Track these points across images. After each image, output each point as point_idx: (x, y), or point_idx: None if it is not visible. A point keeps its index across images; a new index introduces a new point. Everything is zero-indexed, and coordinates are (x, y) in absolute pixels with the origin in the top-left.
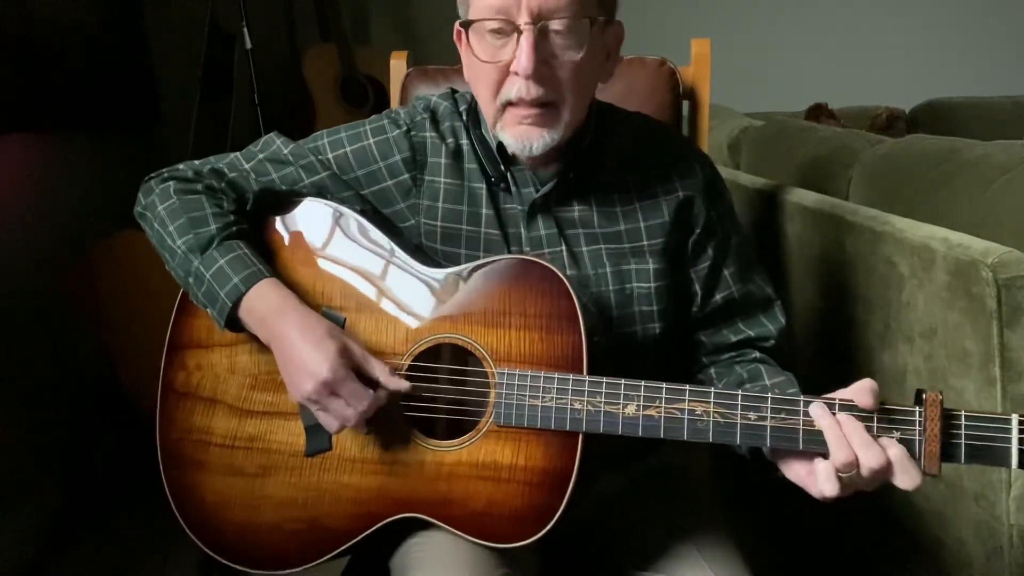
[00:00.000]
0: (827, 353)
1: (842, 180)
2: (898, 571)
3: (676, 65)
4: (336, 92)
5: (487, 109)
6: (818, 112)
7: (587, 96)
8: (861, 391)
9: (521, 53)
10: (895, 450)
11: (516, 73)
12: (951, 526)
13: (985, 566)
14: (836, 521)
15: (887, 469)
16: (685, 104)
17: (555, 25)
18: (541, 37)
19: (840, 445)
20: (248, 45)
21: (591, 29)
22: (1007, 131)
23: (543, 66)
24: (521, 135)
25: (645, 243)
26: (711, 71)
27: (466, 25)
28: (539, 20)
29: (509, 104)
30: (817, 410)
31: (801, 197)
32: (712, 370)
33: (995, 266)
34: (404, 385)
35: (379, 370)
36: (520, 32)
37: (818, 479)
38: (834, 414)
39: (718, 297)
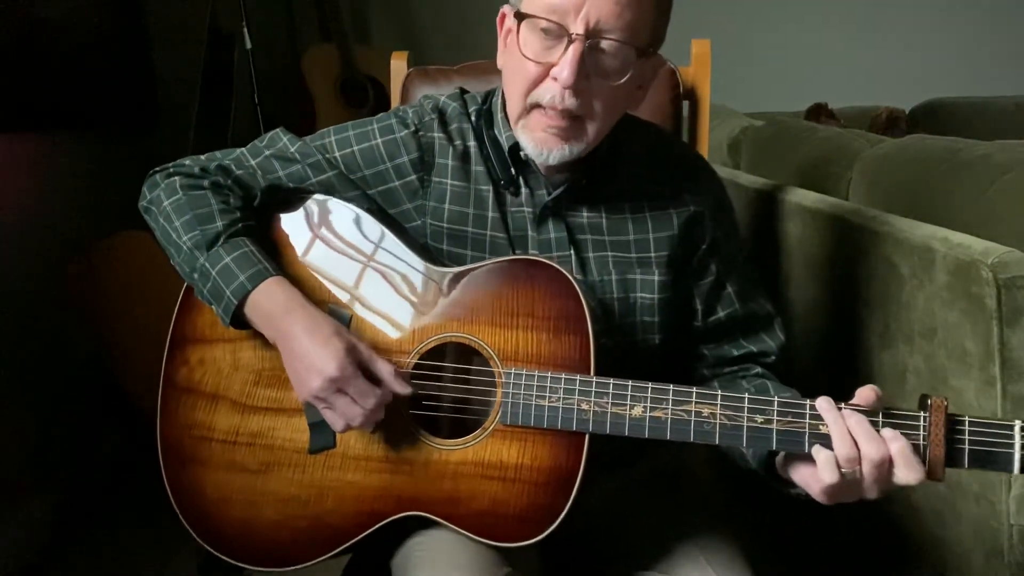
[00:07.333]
0: (827, 353)
1: (842, 180)
2: (898, 571)
3: (676, 65)
4: (336, 92)
5: (514, 104)
6: (818, 112)
7: (614, 118)
8: (864, 392)
9: (565, 62)
10: (898, 443)
11: (555, 79)
12: (951, 526)
13: (985, 566)
14: (837, 521)
15: (889, 463)
16: (685, 104)
17: (605, 44)
18: (589, 51)
19: (844, 438)
20: (248, 45)
21: (637, 58)
22: (1007, 131)
23: (583, 80)
24: (541, 142)
25: (652, 254)
26: (711, 71)
27: (519, 17)
28: (592, 35)
29: (538, 106)
30: (824, 403)
31: (801, 197)
32: (716, 383)
33: (995, 266)
34: (407, 389)
35: (385, 371)
36: (571, 40)
37: (819, 466)
38: (840, 409)
39: (721, 314)
